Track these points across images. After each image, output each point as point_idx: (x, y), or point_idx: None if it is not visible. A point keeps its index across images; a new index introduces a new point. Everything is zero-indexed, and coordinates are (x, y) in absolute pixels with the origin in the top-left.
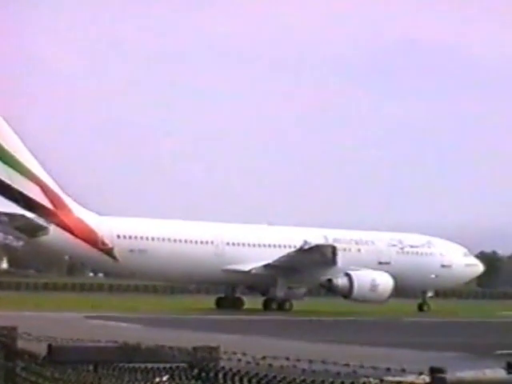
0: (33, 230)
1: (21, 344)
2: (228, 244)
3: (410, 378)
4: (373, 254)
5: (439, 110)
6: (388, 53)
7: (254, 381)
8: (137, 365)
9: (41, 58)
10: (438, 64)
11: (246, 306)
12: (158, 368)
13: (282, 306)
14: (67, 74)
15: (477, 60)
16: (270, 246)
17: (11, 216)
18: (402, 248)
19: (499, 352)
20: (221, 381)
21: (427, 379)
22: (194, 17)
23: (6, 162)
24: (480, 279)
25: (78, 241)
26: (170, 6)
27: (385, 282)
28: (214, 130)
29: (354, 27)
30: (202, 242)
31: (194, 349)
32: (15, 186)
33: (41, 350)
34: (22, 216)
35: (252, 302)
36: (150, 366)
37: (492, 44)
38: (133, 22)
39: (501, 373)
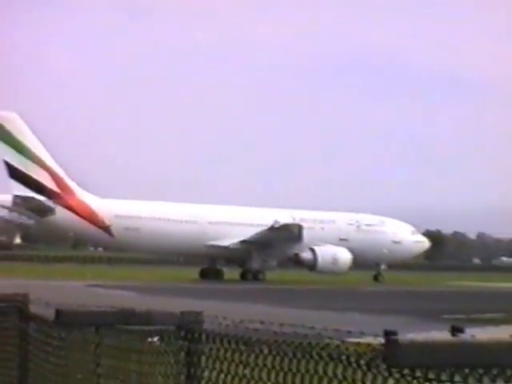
0: (42, 211)
1: (32, 308)
2: (210, 223)
3: (368, 339)
4: (334, 232)
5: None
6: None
7: (232, 341)
8: (132, 327)
9: (47, 62)
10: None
11: (225, 277)
12: (150, 330)
13: (256, 277)
14: (72, 76)
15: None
16: (245, 224)
17: (24, 198)
18: (358, 227)
19: (445, 316)
20: (204, 341)
21: (382, 341)
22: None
23: (20, 152)
24: (427, 254)
25: (81, 220)
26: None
27: (344, 256)
28: (196, 120)
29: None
30: (187, 222)
31: (181, 313)
32: (28, 172)
33: (49, 313)
34: (33, 198)
35: (231, 273)
36: (143, 328)
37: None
38: (132, 21)
39: (446, 335)
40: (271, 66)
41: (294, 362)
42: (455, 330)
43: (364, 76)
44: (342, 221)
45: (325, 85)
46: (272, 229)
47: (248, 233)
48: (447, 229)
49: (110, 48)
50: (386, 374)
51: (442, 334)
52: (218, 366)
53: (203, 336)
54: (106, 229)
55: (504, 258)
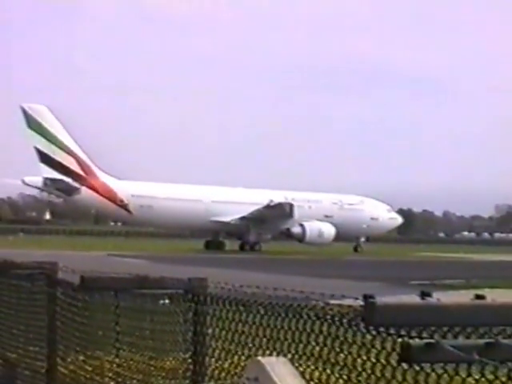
0: (69, 191)
1: (60, 275)
2: (214, 202)
3: (349, 302)
4: (320, 210)
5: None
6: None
7: (233, 303)
8: (146, 291)
9: (69, 63)
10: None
11: (226, 248)
12: (161, 293)
13: (253, 248)
14: (96, 73)
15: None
16: (244, 203)
17: (54, 180)
18: (341, 205)
19: (413, 282)
20: (208, 303)
21: (361, 303)
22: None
23: (50, 141)
24: (399, 229)
25: (102, 199)
26: None
27: (329, 230)
28: (198, 113)
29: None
30: (194, 200)
31: (189, 279)
32: (57, 158)
33: (75, 279)
34: (61, 180)
35: (231, 244)
36: (155, 291)
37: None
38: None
39: (415, 299)
40: (270, 67)
41: (286, 321)
42: (424, 295)
43: (344, 75)
44: (327, 200)
45: (313, 82)
46: (267, 207)
47: (246, 210)
48: (417, 207)
49: (125, 46)
50: (365, 331)
51: (412, 298)
52: (220, 324)
53: (208, 299)
54: (124, 206)
55: (465, 233)
